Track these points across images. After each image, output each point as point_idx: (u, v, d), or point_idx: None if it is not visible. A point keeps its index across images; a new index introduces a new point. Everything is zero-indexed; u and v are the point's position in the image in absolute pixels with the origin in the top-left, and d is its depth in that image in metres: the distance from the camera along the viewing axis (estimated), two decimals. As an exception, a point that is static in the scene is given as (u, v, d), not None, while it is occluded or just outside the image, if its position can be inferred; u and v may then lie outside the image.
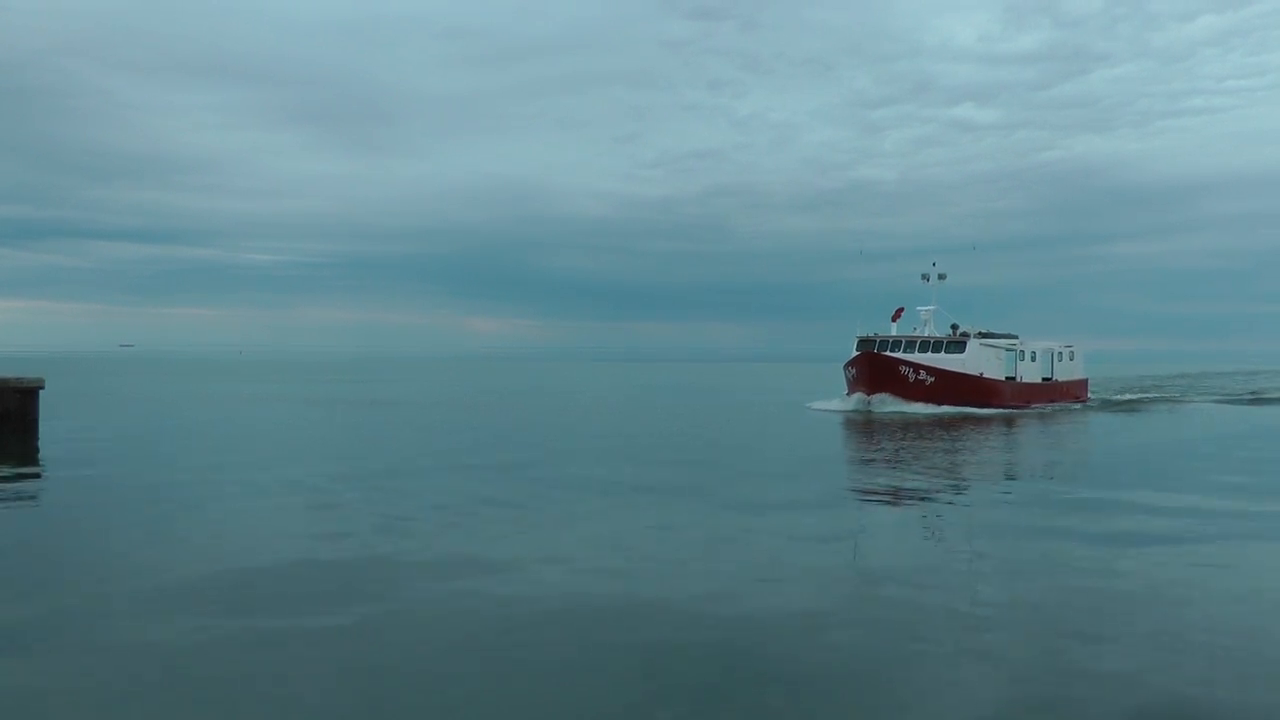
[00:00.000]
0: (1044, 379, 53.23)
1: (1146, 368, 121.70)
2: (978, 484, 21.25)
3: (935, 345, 48.13)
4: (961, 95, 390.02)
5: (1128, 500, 18.68)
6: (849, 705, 7.86)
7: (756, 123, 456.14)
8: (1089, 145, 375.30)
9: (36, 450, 25.78)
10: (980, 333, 49.74)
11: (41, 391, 30.18)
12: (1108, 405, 53.79)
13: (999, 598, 11.17)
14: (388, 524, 15.35)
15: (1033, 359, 52.27)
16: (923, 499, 18.34)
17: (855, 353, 47.95)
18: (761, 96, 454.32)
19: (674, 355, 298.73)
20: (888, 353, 47.64)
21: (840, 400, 47.51)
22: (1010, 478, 22.83)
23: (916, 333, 49.41)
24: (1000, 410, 46.70)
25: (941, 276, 50.90)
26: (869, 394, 45.62)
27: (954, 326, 49.88)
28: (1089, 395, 56.68)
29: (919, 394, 45.53)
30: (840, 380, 50.06)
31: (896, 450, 28.05)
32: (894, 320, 49.77)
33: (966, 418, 42.49)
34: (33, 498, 18.21)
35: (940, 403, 45.36)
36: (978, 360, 47.80)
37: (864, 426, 37.55)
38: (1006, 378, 49.86)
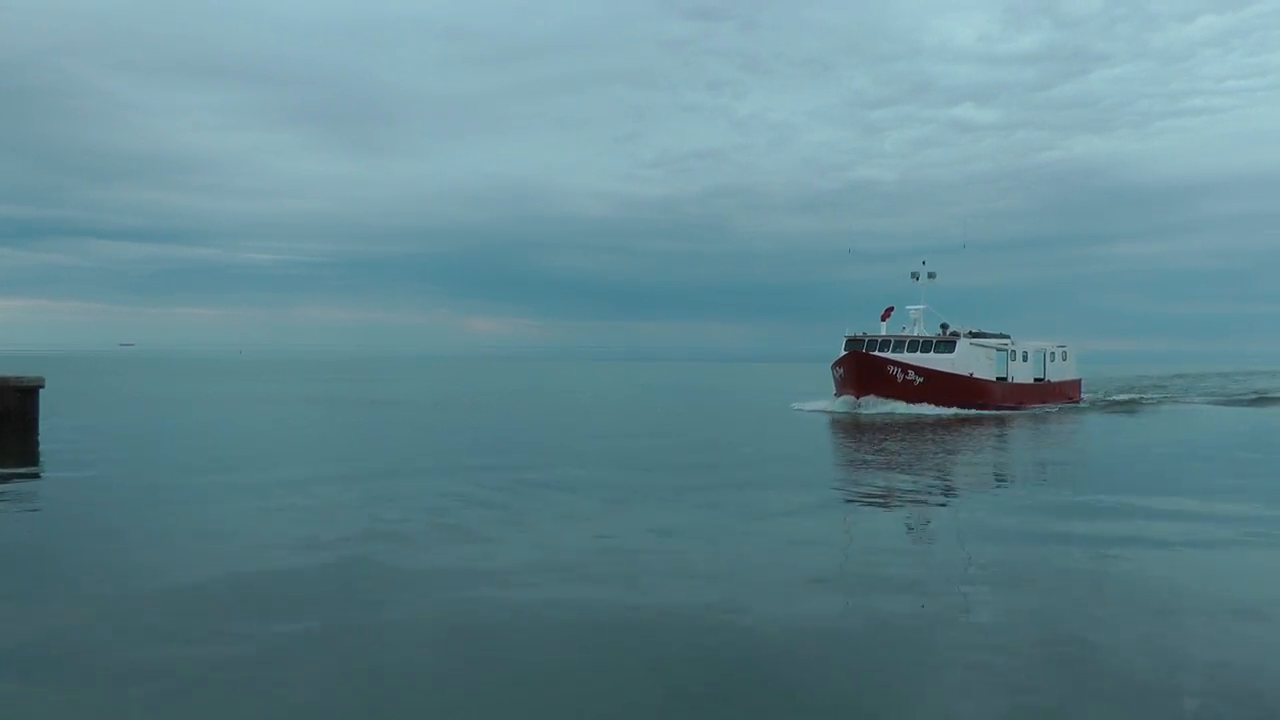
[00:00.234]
0: (1036, 379, 52.56)
1: (1145, 368, 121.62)
2: (970, 488, 21.17)
3: (924, 345, 47.31)
4: (961, 95, 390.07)
5: (1122, 504, 18.59)
6: (848, 715, 7.88)
7: (756, 123, 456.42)
8: (1089, 145, 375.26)
9: (36, 449, 25.81)
10: (971, 332, 49.13)
11: (41, 390, 30.22)
12: (1101, 406, 53.39)
13: (997, 605, 11.17)
14: (386, 527, 15.35)
15: (1024, 359, 51.58)
16: (914, 504, 18.23)
17: (843, 352, 47.27)
18: (761, 97, 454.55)
19: (674, 355, 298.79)
20: (876, 353, 46.91)
21: (828, 401, 46.84)
22: (1001, 481, 22.67)
23: (906, 332, 48.73)
24: (991, 411, 46.12)
25: (931, 275, 50.19)
26: (857, 395, 44.95)
27: (944, 326, 49.29)
28: (1082, 396, 56.14)
29: (908, 395, 44.85)
30: (829, 380, 49.37)
31: (886, 453, 27.90)
32: (883, 320, 49.02)
33: (957, 419, 42.02)
34: (32, 498, 18.23)
35: (930, 403, 44.63)
36: (968, 360, 47.15)
37: (852, 428, 37.10)
38: (997, 378, 49.22)
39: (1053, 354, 54.04)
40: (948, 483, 21.54)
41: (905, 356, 46.53)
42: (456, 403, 54.56)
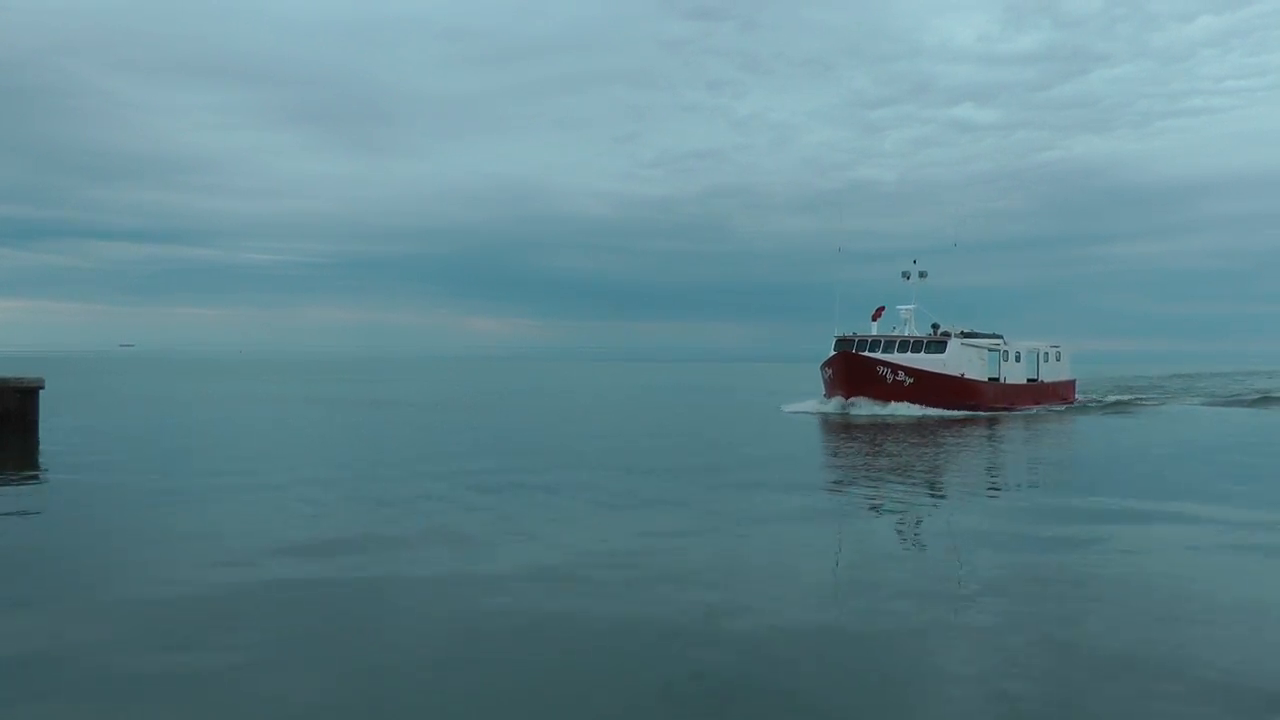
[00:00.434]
0: (1029, 380, 52.00)
1: (1144, 368, 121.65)
2: (959, 491, 20.97)
3: (915, 345, 46.70)
4: (961, 95, 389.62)
5: (1107, 508, 18.63)
6: None
7: (756, 123, 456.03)
8: (1088, 146, 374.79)
9: (36, 451, 25.84)
10: (963, 332, 48.57)
11: (41, 391, 30.23)
12: (1096, 407, 52.96)
13: (995, 610, 11.20)
14: (385, 531, 15.37)
15: (1017, 359, 51.04)
16: (904, 508, 18.10)
17: (833, 353, 46.76)
18: (761, 97, 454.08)
19: (674, 355, 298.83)
20: (866, 353, 46.24)
21: (817, 402, 46.22)
22: (992, 483, 22.39)
23: (896, 333, 48.21)
24: (983, 412, 45.60)
25: (922, 275, 49.52)
26: (846, 396, 44.41)
27: (935, 326, 48.63)
28: (1076, 396, 55.68)
29: (898, 395, 44.28)
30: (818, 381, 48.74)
31: (875, 455, 27.77)
32: (874, 319, 48.46)
33: (948, 420, 41.54)
34: (33, 500, 18.26)
35: (920, 404, 44.00)
36: (959, 360, 46.60)
37: (842, 430, 36.71)
38: (989, 379, 48.65)
39: (1046, 354, 53.48)
40: (937, 486, 21.39)
41: (895, 357, 45.93)
42: (456, 403, 54.61)
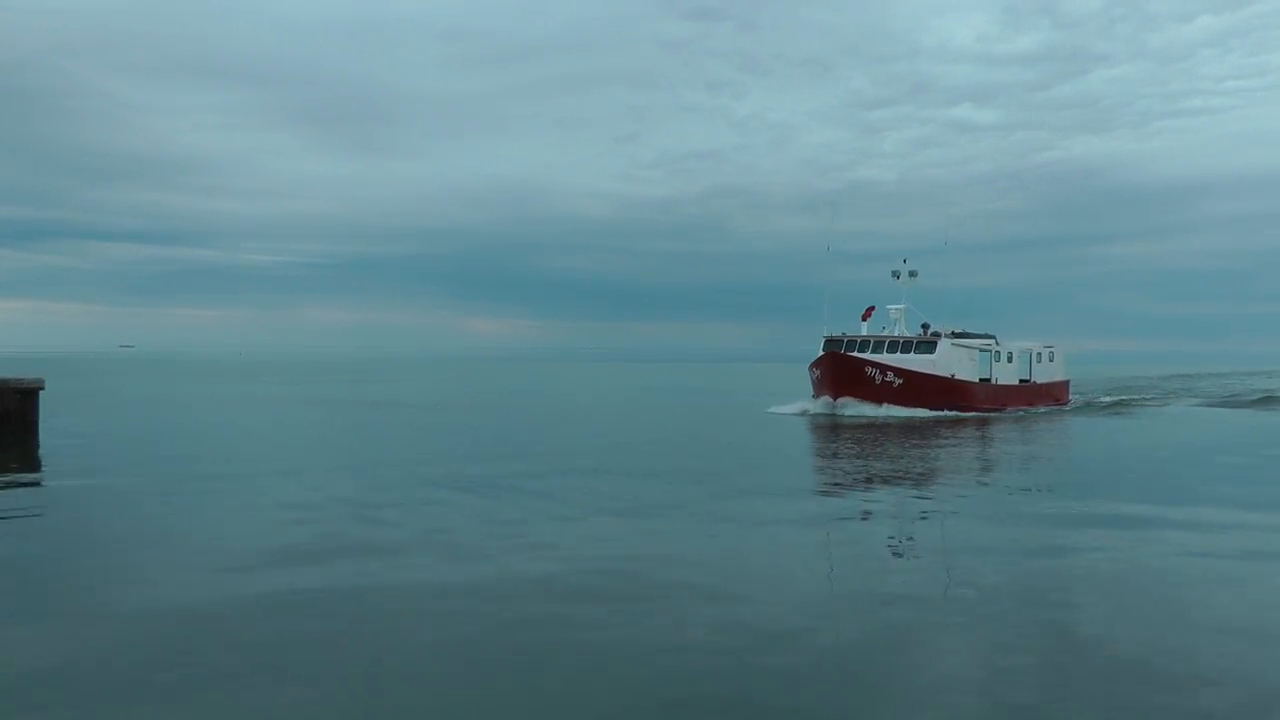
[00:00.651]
0: (1021, 381, 51.39)
1: (1143, 368, 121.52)
2: (952, 495, 20.80)
3: (905, 345, 45.99)
4: (960, 96, 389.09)
5: (1110, 513, 18.62)
6: None
7: (755, 123, 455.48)
8: (1088, 146, 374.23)
9: (36, 452, 25.88)
10: (954, 332, 47.95)
11: (41, 392, 30.27)
12: (1090, 408, 52.50)
13: (993, 614, 11.23)
14: (384, 536, 15.35)
15: (1009, 360, 50.39)
16: (895, 514, 18.04)
17: (821, 353, 46.16)
18: (760, 97, 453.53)
19: (674, 355, 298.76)
20: (855, 353, 45.58)
21: (805, 403, 45.42)
22: (984, 488, 22.03)
23: (886, 333, 47.66)
24: (974, 413, 44.97)
25: (912, 274, 48.87)
26: (834, 397, 43.61)
27: (924, 326, 48.03)
28: (1070, 397, 55.17)
29: (887, 396, 43.61)
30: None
31: (863, 458, 27.48)
32: (864, 319, 47.95)
33: (938, 421, 41.03)
34: (33, 503, 18.30)
35: (909, 405, 43.30)
36: (949, 361, 45.96)
37: (829, 431, 36.32)
38: (980, 379, 48.06)
39: (1039, 355, 52.95)
40: (928, 491, 21.13)
41: (884, 357, 45.40)
42: (456, 404, 54.64)
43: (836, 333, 47.81)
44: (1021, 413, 47.61)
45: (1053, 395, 53.09)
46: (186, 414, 43.34)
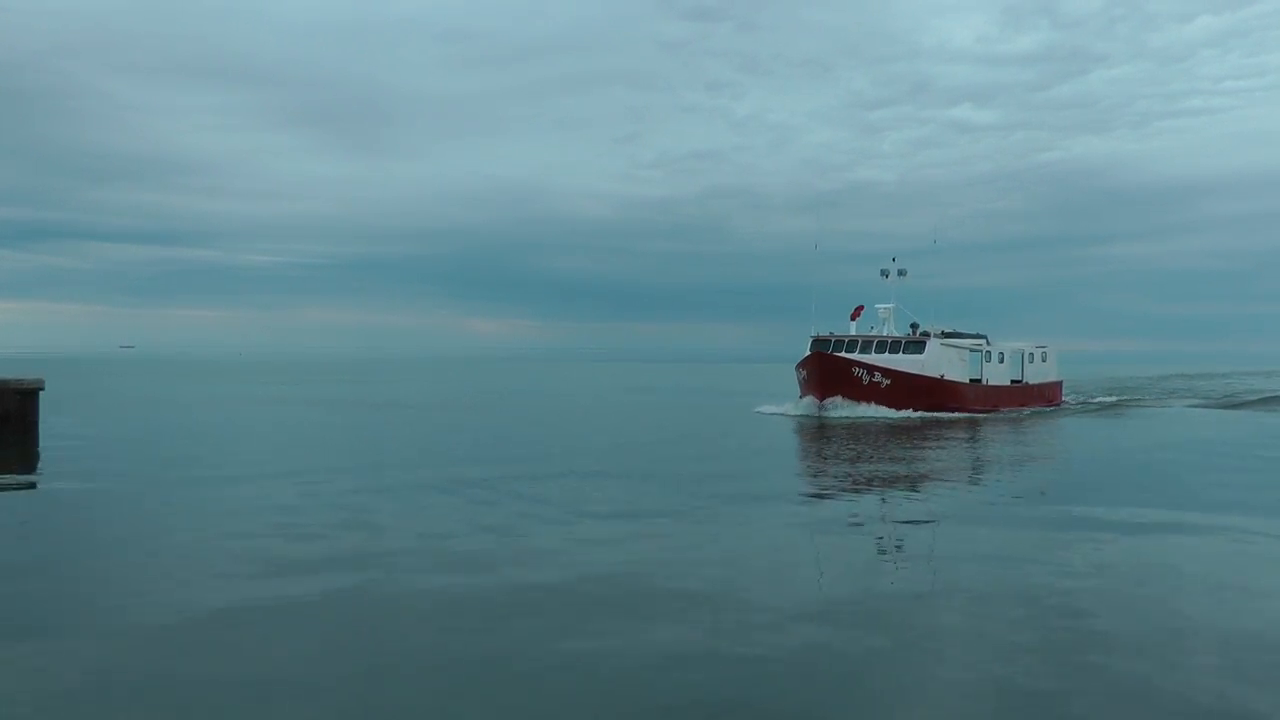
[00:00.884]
0: (1013, 381, 50.89)
1: (1142, 369, 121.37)
2: (943, 498, 20.63)
3: (893, 345, 45.41)
4: (960, 96, 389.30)
5: (1104, 517, 18.54)
6: None
7: (755, 124, 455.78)
8: (1087, 146, 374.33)
9: (36, 453, 25.91)
10: (944, 332, 47.45)
11: (42, 393, 30.29)
12: (1083, 409, 52.00)
13: (990, 620, 11.26)
14: (384, 542, 15.35)
15: (1000, 360, 49.88)
16: (885, 518, 17.99)
17: (808, 353, 45.52)
18: (760, 97, 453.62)
19: (674, 356, 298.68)
20: (842, 353, 44.99)
21: (792, 404, 44.89)
22: (974, 490, 21.80)
23: (874, 332, 46.96)
24: (963, 414, 44.40)
25: (901, 273, 48.27)
26: (820, 397, 42.77)
27: (914, 326, 47.52)
28: (1063, 398, 54.73)
29: (874, 397, 42.83)
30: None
31: (849, 461, 27.10)
32: (853, 319, 47.39)
33: (926, 423, 40.49)
34: (33, 504, 18.34)
35: (897, 406, 42.66)
36: (938, 361, 45.40)
37: (816, 432, 35.90)
38: (971, 380, 47.55)
39: (1031, 355, 52.47)
40: (918, 493, 21.00)
41: (872, 357, 44.83)
42: (456, 404, 54.68)
43: (824, 332, 47.33)
44: (1012, 414, 47.01)
45: (1045, 396, 52.60)
46: (186, 415, 43.36)
